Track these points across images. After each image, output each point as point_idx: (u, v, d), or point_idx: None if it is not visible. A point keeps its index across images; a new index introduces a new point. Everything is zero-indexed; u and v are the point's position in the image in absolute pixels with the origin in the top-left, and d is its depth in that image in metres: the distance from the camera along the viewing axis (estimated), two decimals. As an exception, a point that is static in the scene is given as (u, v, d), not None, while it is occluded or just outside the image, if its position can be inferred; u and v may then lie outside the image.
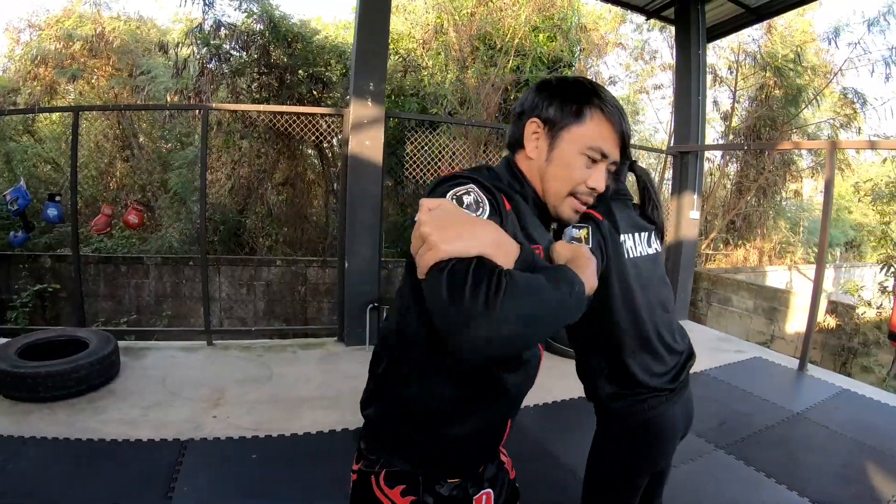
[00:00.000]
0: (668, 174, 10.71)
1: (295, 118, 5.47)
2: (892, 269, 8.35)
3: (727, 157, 11.75)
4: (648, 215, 1.66)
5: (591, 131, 1.16)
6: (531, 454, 3.19)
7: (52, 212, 5.34)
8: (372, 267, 5.34)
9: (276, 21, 8.34)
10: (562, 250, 1.12)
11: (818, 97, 11.15)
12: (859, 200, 11.28)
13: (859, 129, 11.21)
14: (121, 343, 4.28)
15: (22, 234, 5.72)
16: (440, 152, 6.66)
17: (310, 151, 9.59)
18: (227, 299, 8.14)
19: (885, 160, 11.15)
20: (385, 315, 5.44)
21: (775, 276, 11.95)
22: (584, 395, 1.66)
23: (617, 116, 1.17)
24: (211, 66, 8.49)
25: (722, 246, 12.56)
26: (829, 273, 11.92)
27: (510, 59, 9.14)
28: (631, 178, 1.68)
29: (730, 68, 12.01)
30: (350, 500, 1.23)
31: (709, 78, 8.84)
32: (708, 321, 9.14)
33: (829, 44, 10.76)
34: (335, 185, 9.56)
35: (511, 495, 1.38)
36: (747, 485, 3.09)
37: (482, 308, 0.79)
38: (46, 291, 7.53)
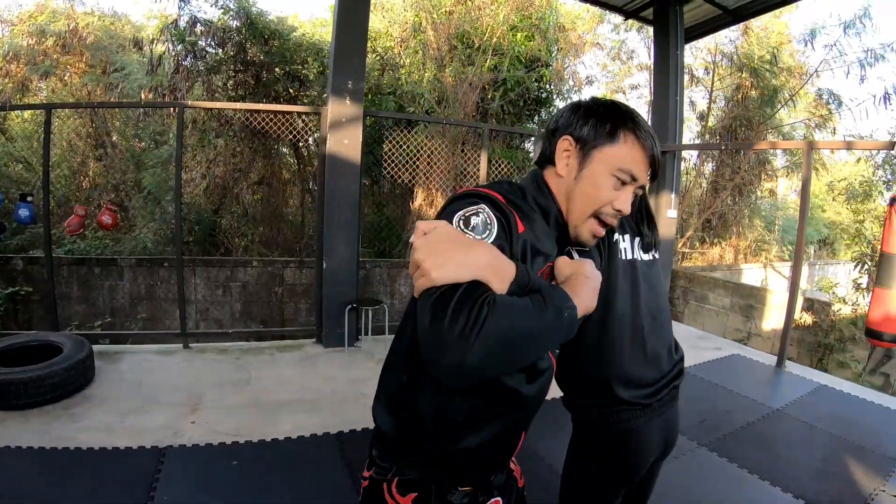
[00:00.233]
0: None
1: (272, 116, 5.40)
2: (866, 267, 8.53)
3: (703, 157, 11.91)
4: (642, 231, 1.58)
5: (622, 153, 1.16)
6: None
7: (23, 212, 5.20)
8: (350, 267, 5.29)
9: (252, 17, 8.24)
10: (563, 267, 1.10)
11: (794, 98, 11.34)
12: (833, 199, 11.51)
13: (834, 129, 11.46)
14: (95, 347, 4.16)
15: (-7, 234, 5.57)
16: (417, 151, 6.64)
17: (284, 150, 9.49)
18: (203, 301, 8.02)
19: (858, 160, 11.40)
20: (392, 324, 5.41)
21: (751, 274, 12.13)
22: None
23: (650, 141, 1.17)
24: (186, 63, 8.35)
25: (698, 244, 12.72)
26: (803, 270, 12.16)
27: (488, 58, 9.14)
28: None
29: (706, 69, 12.16)
30: None
31: (685, 78, 8.92)
32: (685, 319, 9.24)
33: (806, 45, 10.99)
34: (311, 184, 9.48)
35: (519, 503, 1.38)
36: (731, 481, 3.11)
37: (457, 337, 0.80)
38: (18, 294, 7.31)
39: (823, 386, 4.83)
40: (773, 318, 8.36)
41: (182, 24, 8.21)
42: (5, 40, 10.10)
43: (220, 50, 8.48)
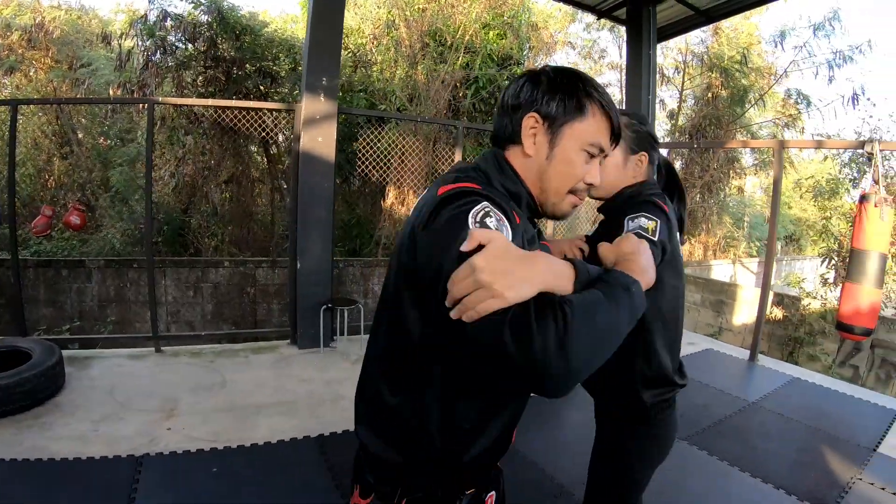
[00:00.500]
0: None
1: (245, 113, 5.31)
2: (833, 262, 8.76)
3: (672, 155, 12.07)
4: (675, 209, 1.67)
5: (592, 127, 1.11)
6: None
7: (-13, 213, 5.02)
8: (324, 266, 5.23)
9: (224, 12, 8.08)
10: (606, 253, 1.07)
11: (763, 97, 11.58)
12: (801, 197, 11.81)
13: (802, 128, 11.75)
14: (64, 352, 4.01)
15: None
16: (389, 149, 6.60)
17: (253, 148, 9.34)
18: (174, 303, 7.84)
19: (825, 158, 11.71)
20: (367, 324, 5.35)
21: (720, 270, 12.38)
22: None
23: (614, 109, 1.14)
24: (156, 58, 8.14)
25: (668, 241, 12.89)
26: (770, 266, 12.44)
27: (460, 55, 9.12)
28: None
29: (676, 68, 12.33)
30: None
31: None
32: (658, 315, 9.34)
33: (776, 46, 11.21)
34: (281, 182, 9.36)
35: (503, 490, 1.37)
36: (712, 474, 3.15)
37: (555, 350, 0.76)
38: (-18, 298, 7.06)
39: (796, 379, 4.95)
40: (743, 313, 8.54)
41: (152, 18, 8.00)
42: (-31, 35, 9.78)
43: (191, 45, 8.28)
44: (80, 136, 9.56)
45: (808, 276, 11.00)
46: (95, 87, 9.04)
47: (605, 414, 1.72)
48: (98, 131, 9.64)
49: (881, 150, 4.25)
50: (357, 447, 1.23)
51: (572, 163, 1.12)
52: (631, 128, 1.61)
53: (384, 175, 6.66)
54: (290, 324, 5.41)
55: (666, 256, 1.43)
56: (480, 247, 0.82)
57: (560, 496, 2.88)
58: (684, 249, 12.86)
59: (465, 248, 0.83)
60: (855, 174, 10.24)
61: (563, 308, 0.79)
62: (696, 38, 11.54)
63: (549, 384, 0.79)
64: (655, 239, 1.37)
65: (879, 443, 3.69)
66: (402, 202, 9.06)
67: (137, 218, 8.34)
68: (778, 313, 8.11)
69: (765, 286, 5.40)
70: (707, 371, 5.02)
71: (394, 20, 9.30)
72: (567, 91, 1.11)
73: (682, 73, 12.12)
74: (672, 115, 12.75)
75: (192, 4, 8.07)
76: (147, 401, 3.69)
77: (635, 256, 1.02)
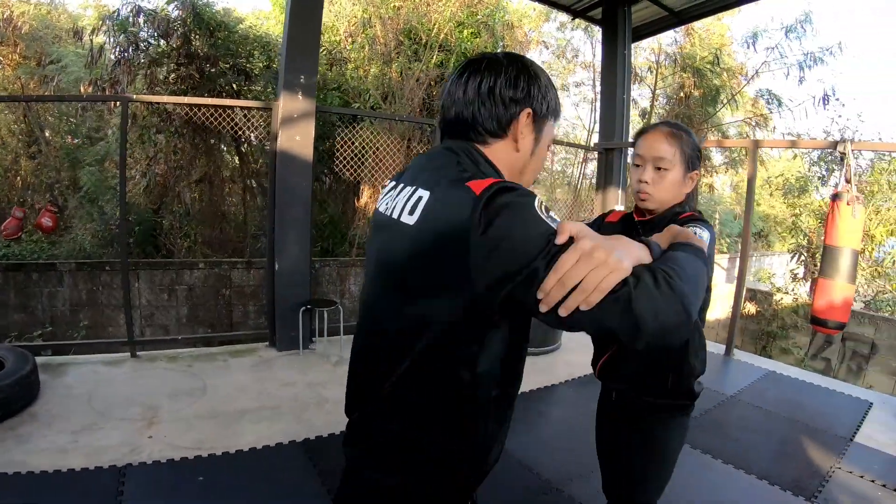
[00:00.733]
0: (587, 169, 11.07)
1: (220, 111, 5.21)
2: (803, 258, 8.97)
3: (642, 153, 12.21)
4: None
5: (554, 125, 1.16)
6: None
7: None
8: (303, 267, 5.18)
9: (198, 8, 7.92)
10: (661, 241, 1.07)
11: (735, 97, 11.80)
12: (770, 195, 12.09)
13: (774, 128, 12.04)
14: (37, 359, 3.89)
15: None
16: (363, 148, 6.55)
17: (223, 147, 9.18)
18: (148, 306, 7.67)
19: (795, 156, 11.98)
20: (347, 324, 5.30)
21: (692, 266, 12.53)
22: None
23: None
24: (127, 54, 7.94)
25: (641, 237, 13.08)
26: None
27: (434, 54, 9.10)
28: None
29: (649, 68, 12.49)
30: None
31: (629, 77, 9.12)
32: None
33: (748, 47, 11.44)
34: (252, 181, 9.22)
35: None
36: (696, 466, 3.20)
37: (676, 307, 0.81)
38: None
39: (771, 372, 5.07)
40: (716, 309, 8.69)
41: (124, 13, 7.78)
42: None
43: (164, 41, 8.10)
44: (47, 134, 9.28)
45: (777, 271, 11.25)
46: (65, 84, 8.79)
47: (645, 409, 1.75)
48: (66, 130, 9.38)
49: (853, 150, 4.35)
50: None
51: (543, 159, 1.15)
52: (690, 145, 1.68)
53: (358, 173, 6.62)
54: (268, 326, 5.33)
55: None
56: (570, 239, 0.84)
57: (549, 492, 2.90)
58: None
59: (559, 241, 0.84)
60: (823, 172, 10.53)
61: (663, 270, 0.84)
62: (669, 39, 11.71)
63: (682, 333, 0.83)
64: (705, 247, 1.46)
65: (855, 432, 3.81)
66: (376, 201, 8.98)
67: (108, 219, 8.15)
68: (751, 308, 8.29)
69: (740, 282, 5.51)
70: (685, 366, 5.09)
71: (369, 18, 9.23)
72: (553, 91, 1.12)
73: (654, 73, 12.27)
74: (644, 114, 12.91)
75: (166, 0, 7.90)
76: (126, 409, 3.58)
77: (688, 235, 1.06)
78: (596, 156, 7.69)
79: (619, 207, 7.12)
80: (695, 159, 1.71)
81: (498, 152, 1.09)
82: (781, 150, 12.33)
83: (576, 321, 0.83)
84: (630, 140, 7.12)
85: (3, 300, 7.04)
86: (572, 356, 5.19)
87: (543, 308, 0.83)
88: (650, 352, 1.65)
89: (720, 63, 11.21)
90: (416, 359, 1.00)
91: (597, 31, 12.13)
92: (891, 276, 8.95)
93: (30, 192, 8.78)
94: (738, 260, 5.75)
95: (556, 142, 8.51)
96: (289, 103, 4.83)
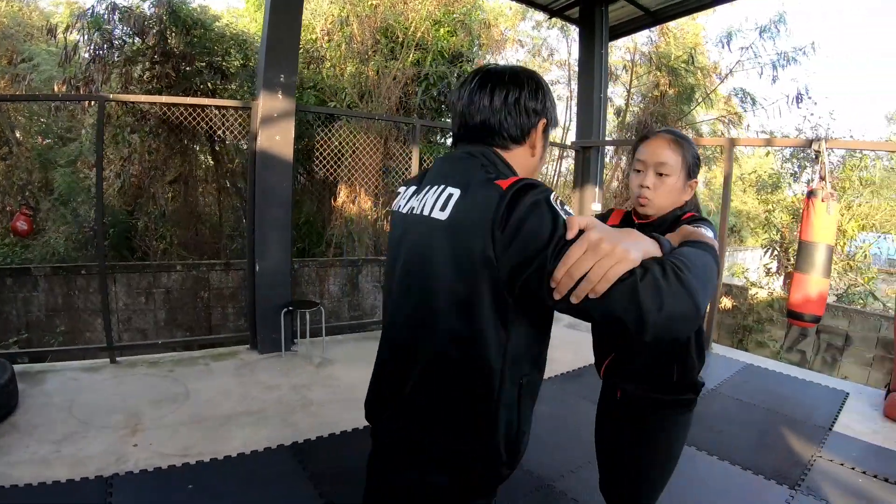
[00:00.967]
0: (563, 166, 11.17)
1: (199, 111, 5.14)
2: (776, 253, 9.15)
3: (619, 151, 12.33)
4: None
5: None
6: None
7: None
8: (284, 268, 5.14)
9: (174, 5, 7.77)
10: (676, 233, 1.19)
11: (710, 95, 11.97)
12: (744, 191, 12.32)
13: (748, 126, 12.24)
14: (15, 367, 3.79)
15: None
16: (341, 147, 6.51)
17: (205, 146, 9.04)
18: (125, 310, 7.52)
19: (767, 153, 12.20)
20: (328, 325, 5.26)
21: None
22: None
23: None
24: (102, 52, 7.75)
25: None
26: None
27: (411, 52, 9.08)
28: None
29: (624, 67, 12.60)
30: None
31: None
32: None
33: (723, 47, 11.62)
34: (224, 181, 9.10)
35: None
36: (683, 459, 3.25)
37: (684, 288, 0.86)
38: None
39: (749, 365, 5.19)
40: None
41: (100, 10, 7.58)
42: None
43: (140, 39, 7.94)
44: (18, 135, 9.04)
45: (750, 266, 11.45)
46: (37, 83, 8.56)
47: (650, 408, 1.77)
48: (37, 130, 9.14)
49: (827, 148, 4.46)
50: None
51: (544, 163, 1.27)
52: (692, 154, 1.71)
53: (335, 173, 6.59)
54: (249, 328, 5.28)
55: None
56: (580, 231, 0.90)
57: (539, 489, 2.92)
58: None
59: (569, 236, 0.90)
60: (796, 168, 10.75)
61: (672, 262, 0.89)
62: (644, 38, 11.82)
63: (690, 324, 0.88)
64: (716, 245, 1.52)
65: (834, 422, 3.94)
66: (353, 201, 8.96)
67: (82, 221, 7.96)
68: (727, 303, 8.43)
69: (719, 277, 5.60)
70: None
71: (346, 16, 9.17)
72: (554, 104, 1.23)
73: (629, 72, 12.38)
74: (619, 113, 13.02)
75: (141, -4, 7.74)
76: (109, 416, 3.50)
77: (698, 233, 1.14)
78: (572, 153, 7.76)
79: (596, 205, 7.18)
80: (695, 167, 1.73)
81: (517, 157, 1.18)
82: (754, 148, 12.55)
83: (586, 310, 0.89)
84: (601, 139, 7.18)
85: (-24, 307, 6.83)
86: (555, 353, 5.20)
87: (556, 296, 0.89)
88: (657, 344, 1.67)
89: (695, 62, 11.36)
90: (449, 349, 1.06)
91: (572, 30, 12.24)
92: (862, 269, 9.19)
93: (1, 195, 8.54)
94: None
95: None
96: (268, 102, 4.78)
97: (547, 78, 15.06)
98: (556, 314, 1.09)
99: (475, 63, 10.49)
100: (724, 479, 3.10)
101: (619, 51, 12.36)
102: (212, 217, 9.43)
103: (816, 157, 4.51)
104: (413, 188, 1.23)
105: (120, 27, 7.75)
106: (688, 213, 1.69)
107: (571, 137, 9.93)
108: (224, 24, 8.99)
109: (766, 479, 3.07)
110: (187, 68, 7.95)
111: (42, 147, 8.89)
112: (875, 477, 3.16)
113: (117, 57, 7.87)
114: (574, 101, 10.11)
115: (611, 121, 13.27)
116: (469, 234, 1.00)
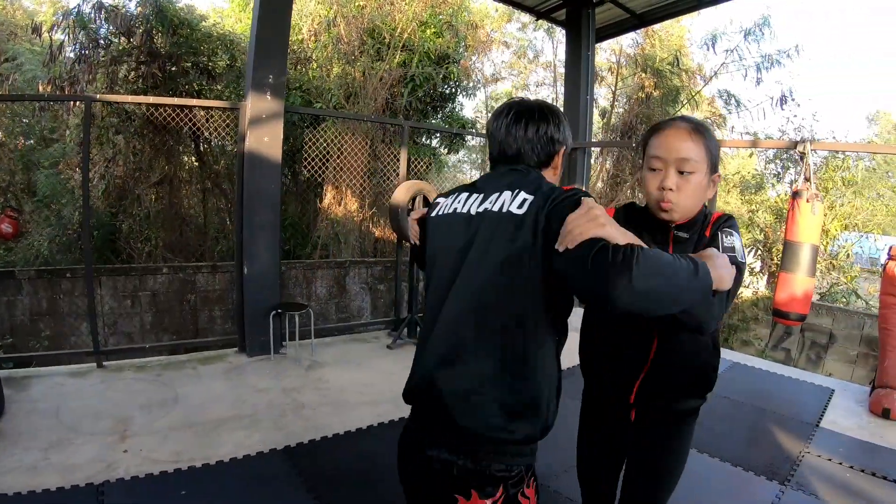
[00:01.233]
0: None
1: (185, 111, 5.09)
2: (759, 252, 9.27)
3: (604, 153, 12.41)
4: None
5: None
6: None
7: None
8: (273, 271, 5.10)
9: (161, 5, 7.70)
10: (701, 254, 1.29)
11: (695, 97, 12.07)
12: (728, 192, 12.45)
13: (732, 127, 12.39)
14: (0, 373, 3.74)
15: None
16: (327, 148, 6.49)
17: (190, 147, 8.96)
18: (111, 313, 7.42)
19: (751, 154, 12.35)
20: (317, 328, 5.24)
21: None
22: None
23: None
24: (87, 52, 7.64)
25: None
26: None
27: (398, 53, 9.08)
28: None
29: (609, 69, 12.68)
30: None
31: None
32: (597, 307, 9.62)
33: (707, 49, 11.73)
34: (210, 182, 9.03)
35: None
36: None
37: (622, 263, 1.00)
38: None
39: (736, 363, 5.27)
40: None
41: (85, 9, 7.49)
42: None
43: (127, 39, 7.84)
44: (0, 136, 8.90)
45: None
46: (21, 83, 8.41)
47: (671, 417, 1.69)
48: (20, 131, 9.01)
49: (812, 150, 4.52)
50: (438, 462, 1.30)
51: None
52: (714, 144, 1.50)
53: (321, 174, 6.56)
54: (237, 331, 5.23)
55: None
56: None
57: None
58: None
59: (578, 214, 1.13)
60: (779, 169, 10.90)
61: (639, 247, 1.04)
62: (629, 40, 11.91)
63: (617, 289, 1.01)
64: (744, 261, 1.49)
65: (821, 418, 4.01)
66: (339, 202, 8.94)
67: (66, 223, 7.85)
68: (713, 301, 8.49)
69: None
70: (653, 360, 5.22)
71: (334, 17, 9.14)
72: (570, 132, 1.48)
73: (615, 74, 12.46)
74: (604, 114, 13.10)
75: (127, -6, 7.64)
76: (97, 422, 3.45)
77: (711, 257, 1.25)
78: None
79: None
80: (717, 160, 1.52)
81: (546, 174, 1.44)
82: (737, 149, 12.69)
83: (563, 263, 1.12)
84: (588, 140, 7.22)
85: (-41, 312, 6.70)
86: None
87: (558, 247, 1.12)
88: (689, 345, 1.65)
89: (679, 64, 11.46)
90: (515, 318, 1.26)
91: (558, 32, 12.31)
92: (845, 268, 9.33)
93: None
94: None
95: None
96: (257, 103, 4.74)
97: (532, 79, 15.21)
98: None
99: (461, 64, 10.52)
100: (715, 475, 3.14)
101: (605, 53, 12.47)
102: (197, 219, 9.34)
103: (801, 159, 4.57)
104: (466, 194, 1.43)
105: (106, 26, 7.65)
106: (716, 214, 1.55)
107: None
108: (211, 24, 8.92)
109: (757, 475, 3.12)
110: (173, 68, 7.88)
111: (24, 148, 8.75)
112: (862, 471, 3.22)
113: (103, 57, 7.75)
114: (560, 103, 10.15)
115: (596, 122, 13.34)
116: (536, 221, 1.22)
